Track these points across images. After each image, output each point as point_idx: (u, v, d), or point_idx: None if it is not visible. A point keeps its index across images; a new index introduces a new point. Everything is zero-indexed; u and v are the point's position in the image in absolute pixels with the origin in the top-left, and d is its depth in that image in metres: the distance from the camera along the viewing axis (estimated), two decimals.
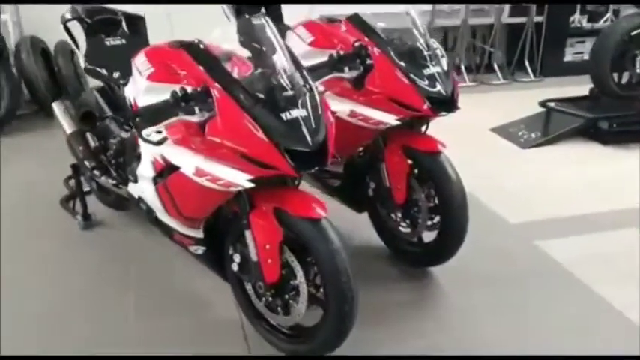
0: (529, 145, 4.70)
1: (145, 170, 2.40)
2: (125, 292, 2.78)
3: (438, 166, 2.67)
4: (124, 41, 3.03)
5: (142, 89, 2.30)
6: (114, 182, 2.90)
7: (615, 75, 4.97)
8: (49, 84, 5.29)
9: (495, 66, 6.76)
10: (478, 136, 4.92)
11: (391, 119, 2.59)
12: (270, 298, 2.25)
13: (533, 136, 4.83)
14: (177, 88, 2.04)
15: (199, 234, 2.41)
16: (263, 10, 3.58)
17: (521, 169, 4.29)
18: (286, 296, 2.22)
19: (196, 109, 2.03)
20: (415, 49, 2.64)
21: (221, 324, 2.57)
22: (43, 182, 3.94)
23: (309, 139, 2.00)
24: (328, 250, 2.06)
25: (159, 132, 2.23)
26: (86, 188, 3.52)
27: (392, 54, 2.60)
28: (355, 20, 2.74)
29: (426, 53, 2.62)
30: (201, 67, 2.07)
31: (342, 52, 2.61)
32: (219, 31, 2.36)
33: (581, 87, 5.37)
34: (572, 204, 3.68)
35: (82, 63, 2.97)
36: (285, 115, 1.99)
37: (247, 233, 2.17)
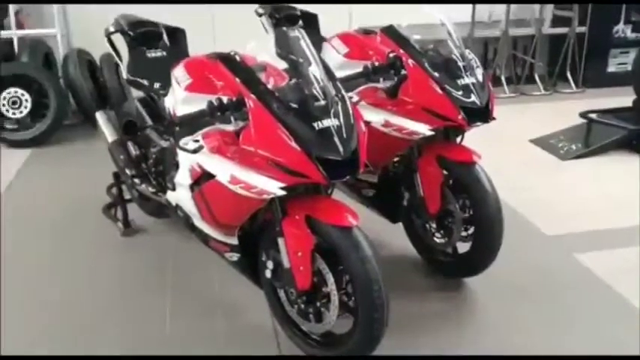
0: (569, 157, 4.63)
1: (183, 178, 2.46)
2: (162, 297, 2.85)
3: (472, 177, 2.66)
4: (164, 53, 3.11)
5: (180, 99, 2.37)
6: (153, 190, 2.97)
7: None
8: (94, 95, 5.44)
9: (536, 77, 6.67)
10: (517, 147, 4.87)
11: (425, 129, 2.60)
12: (302, 305, 2.27)
13: (573, 147, 4.75)
14: (213, 98, 2.10)
15: (234, 241, 2.45)
16: (301, 22, 3.67)
17: (560, 181, 4.23)
18: (318, 303, 2.25)
19: (232, 118, 2.09)
20: (449, 59, 2.65)
21: (254, 330, 2.61)
22: (86, 190, 4.05)
23: (340, 148, 2.03)
24: (359, 258, 2.08)
25: (196, 141, 2.30)
26: (127, 196, 3.63)
27: (426, 65, 2.61)
28: (390, 32, 2.77)
29: (460, 64, 2.62)
30: (236, 78, 2.12)
31: (376, 63, 2.64)
32: (254, 43, 2.42)
33: (624, 98, 5.26)
34: (612, 217, 3.61)
35: (124, 74, 3.06)
36: (318, 125, 2.02)
37: (280, 240, 2.20)
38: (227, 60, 2.19)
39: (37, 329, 2.64)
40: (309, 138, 2.00)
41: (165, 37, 3.22)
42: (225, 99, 2.09)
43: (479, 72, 2.68)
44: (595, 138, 4.86)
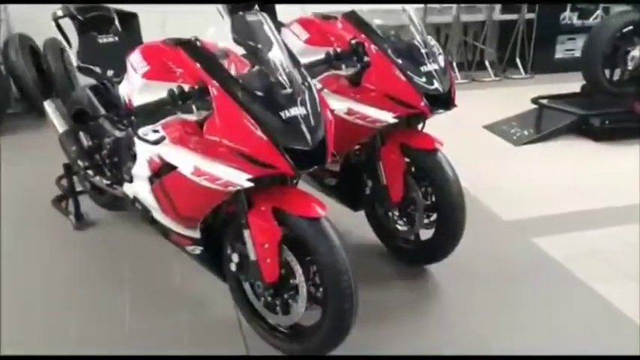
0: (522, 142, 4.71)
1: (141, 170, 2.37)
2: (120, 292, 2.75)
3: (435, 164, 2.66)
4: (116, 39, 2.98)
5: (137, 87, 2.27)
6: (108, 182, 2.86)
7: (607, 72, 4.98)
8: (38, 82, 5.22)
9: (487, 63, 6.76)
10: (471, 134, 4.92)
11: (388, 117, 2.57)
12: (269, 298, 2.23)
13: (525, 133, 4.83)
14: (174, 86, 2.01)
15: (196, 234, 2.38)
16: (257, 7, 3.58)
17: (514, 167, 4.30)
18: (285, 296, 2.20)
19: (194, 107, 2.01)
20: (412, 46, 2.63)
21: (219, 324, 2.55)
22: (34, 182, 3.90)
23: (308, 137, 1.98)
24: (328, 249, 2.05)
25: (155, 131, 2.22)
26: (79, 188, 3.49)
27: (389, 51, 2.58)
28: (352, 17, 2.72)
29: (423, 50, 2.61)
30: (198, 65, 2.04)
31: (338, 50, 2.59)
32: (214, 29, 2.34)
33: (572, 84, 5.38)
34: (567, 201, 3.68)
35: (74, 61, 2.92)
36: (284, 114, 1.97)
37: (246, 233, 2.15)
38: (188, 46, 2.10)
39: None
40: (276, 127, 1.95)
41: (116, 22, 3.08)
42: (186, 87, 2.01)
43: (441, 59, 2.67)
44: (546, 123, 4.95)
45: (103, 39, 2.95)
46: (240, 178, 1.96)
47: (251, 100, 1.96)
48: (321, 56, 2.60)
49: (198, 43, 2.12)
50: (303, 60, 2.50)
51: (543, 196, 3.78)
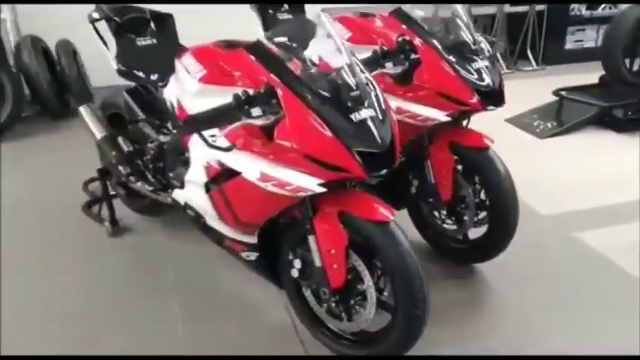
0: (546, 135, 4.69)
1: (196, 176, 2.32)
2: (167, 298, 2.70)
3: (487, 162, 2.63)
4: (154, 41, 2.91)
5: (191, 92, 2.23)
6: (151, 188, 2.80)
7: (627, 62, 4.96)
8: (51, 84, 5.14)
9: (498, 55, 6.73)
10: (494, 127, 4.80)
11: (440, 115, 2.53)
12: (333, 304, 2.18)
13: (549, 125, 4.81)
14: (235, 90, 1.96)
15: (253, 239, 2.33)
16: (286, 6, 3.53)
17: (542, 159, 4.28)
18: (352, 302, 2.16)
19: (260, 111, 1.95)
20: (462, 42, 2.59)
21: (273, 329, 2.51)
22: (56, 188, 3.81)
23: (379, 140, 1.94)
24: (399, 253, 2.00)
25: (213, 136, 2.16)
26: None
27: (439, 48, 2.54)
28: (398, 14, 2.68)
29: (473, 47, 2.57)
30: (264, 68, 1.98)
31: (385, 48, 2.54)
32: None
33: (586, 75, 5.37)
34: (599, 194, 3.66)
35: (114, 65, 2.84)
36: (355, 116, 1.92)
37: (311, 238, 2.10)
38: (253, 48, 2.04)
39: (43, 340, 2.46)
40: (348, 130, 1.90)
41: (152, 23, 3.01)
42: (250, 91, 1.95)
43: (489, 55, 2.63)
44: (568, 115, 4.93)
45: (141, 41, 2.88)
46: (312, 183, 1.92)
47: (321, 102, 1.92)
48: (366, 55, 2.55)
49: (264, 46, 2.06)
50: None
51: (575, 189, 3.75)
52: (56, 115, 5.28)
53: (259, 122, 1.97)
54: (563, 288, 2.76)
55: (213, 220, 2.37)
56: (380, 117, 1.98)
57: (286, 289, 2.40)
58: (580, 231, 3.23)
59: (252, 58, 2.01)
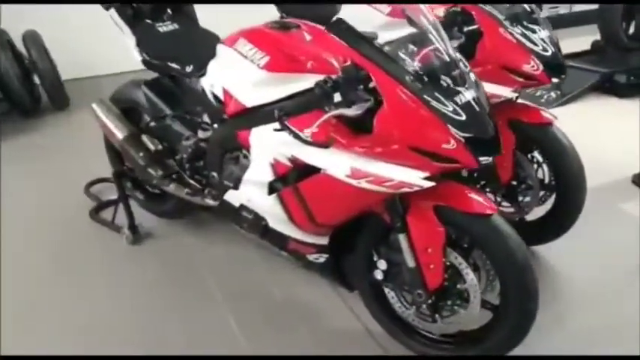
0: (553, 105, 4.58)
1: (258, 174, 2.07)
2: (218, 312, 2.45)
3: (551, 138, 2.47)
4: (176, 26, 2.60)
5: (253, 81, 1.97)
6: (187, 190, 2.52)
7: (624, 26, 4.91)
8: (23, 81, 4.70)
9: None
10: None
11: (506, 92, 2.35)
12: (425, 306, 1.99)
13: (553, 95, 4.71)
14: (308, 77, 1.75)
15: (324, 240, 2.11)
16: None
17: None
18: (449, 302, 1.97)
19: (349, 100, 1.71)
20: (521, 11, 2.40)
21: (346, 333, 2.30)
22: (53, 195, 3.47)
23: (487, 124, 1.73)
24: (508, 248, 1.82)
25: (281, 129, 1.91)
26: (112, 196, 3.13)
27: (500, 18, 2.34)
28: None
29: (534, 15, 2.39)
30: (354, 49, 1.73)
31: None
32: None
33: (572, 41, 5.28)
34: (624, 164, 3.56)
35: (137, 55, 2.53)
36: (460, 99, 1.71)
37: (401, 237, 1.90)
38: (336, 27, 1.78)
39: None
40: (454, 115, 1.68)
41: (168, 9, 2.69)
42: (334, 77, 1.71)
43: (548, 23, 2.46)
44: (569, 84, 4.82)
45: (162, 27, 2.56)
46: (416, 178, 1.71)
47: (421, 85, 1.69)
48: (408, 30, 2.33)
49: (347, 23, 1.81)
50: (390, 35, 2.26)
51: (607, 159, 3.64)
52: (27, 114, 4.86)
53: (350, 112, 1.73)
54: (628, 268, 2.64)
55: (278, 222, 2.14)
56: (481, 99, 1.77)
57: (361, 291, 2.20)
58: (623, 202, 3.12)
59: (336, 38, 1.75)
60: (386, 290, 2.12)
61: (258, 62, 1.95)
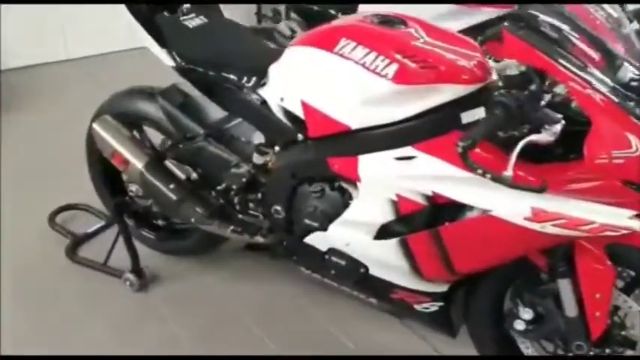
0: None
1: (370, 213, 1.66)
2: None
3: None
4: (204, 19, 2.04)
5: (369, 96, 1.55)
6: (236, 228, 2.00)
7: None
8: None
9: None
10: None
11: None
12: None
13: None
14: (451, 89, 1.46)
15: (445, 287, 1.73)
16: None
17: None
18: (607, 350, 1.66)
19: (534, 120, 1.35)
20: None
21: None
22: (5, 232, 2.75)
23: None
24: None
25: (406, 158, 1.51)
26: (89, 227, 2.59)
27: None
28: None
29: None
30: (546, 54, 1.34)
31: None
32: None
33: None
34: None
35: (168, 60, 1.94)
36: None
37: (563, 283, 1.57)
38: (512, 24, 1.38)
39: None
40: None
41: None
42: (514, 92, 1.34)
43: None
44: None
45: (189, 21, 1.99)
46: (625, 218, 1.37)
47: (627, 101, 1.35)
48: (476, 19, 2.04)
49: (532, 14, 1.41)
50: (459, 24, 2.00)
51: None
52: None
53: (542, 139, 1.34)
54: None
55: (388, 270, 1.74)
56: None
57: (478, 341, 1.85)
58: None
59: (518, 39, 1.35)
60: (519, 340, 1.77)
61: (384, 72, 1.51)
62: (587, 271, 1.54)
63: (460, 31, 1.84)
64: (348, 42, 1.59)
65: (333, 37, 1.63)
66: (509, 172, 1.28)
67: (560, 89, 1.45)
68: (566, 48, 1.37)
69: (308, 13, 2.91)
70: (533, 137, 1.33)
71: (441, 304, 1.78)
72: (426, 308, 1.80)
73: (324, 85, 1.65)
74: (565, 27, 1.41)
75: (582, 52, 1.39)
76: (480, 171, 1.30)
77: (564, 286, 1.57)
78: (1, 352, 2.05)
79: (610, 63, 1.42)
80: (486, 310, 1.78)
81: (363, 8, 2.54)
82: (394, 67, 1.51)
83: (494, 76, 1.56)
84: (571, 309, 1.59)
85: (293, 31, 2.36)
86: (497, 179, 1.30)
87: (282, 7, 4.65)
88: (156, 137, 2.34)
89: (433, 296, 1.76)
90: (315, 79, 1.67)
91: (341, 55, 1.58)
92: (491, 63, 1.61)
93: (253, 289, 2.35)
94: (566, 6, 1.47)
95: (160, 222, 2.40)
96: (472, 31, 2.08)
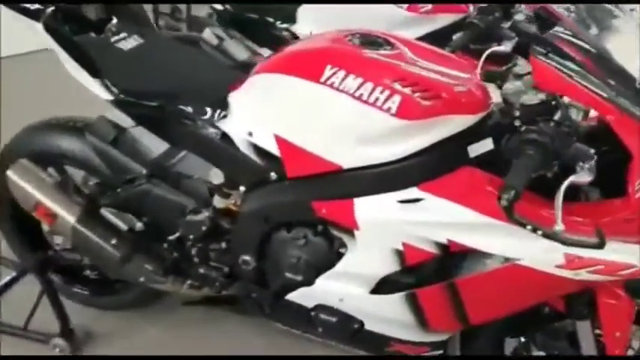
0: None
1: (371, 264, 1.44)
2: None
3: None
4: (138, 38, 1.69)
5: (367, 133, 1.33)
6: (193, 282, 1.71)
7: None
8: None
9: None
10: None
11: None
12: None
13: None
14: (454, 121, 1.31)
15: (445, 336, 1.56)
16: None
17: None
18: None
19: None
20: None
21: None
22: None
23: None
24: None
25: (410, 201, 1.32)
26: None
27: None
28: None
29: None
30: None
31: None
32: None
33: None
34: None
35: (103, 93, 1.58)
36: None
37: (582, 325, 1.45)
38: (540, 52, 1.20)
39: None
40: None
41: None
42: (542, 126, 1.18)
43: None
44: None
45: (122, 43, 1.64)
46: None
47: None
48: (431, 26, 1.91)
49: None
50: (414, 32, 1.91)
51: None
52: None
53: (582, 180, 1.18)
54: None
55: (383, 324, 1.52)
56: None
57: None
58: None
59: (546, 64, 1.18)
60: None
61: (385, 106, 1.29)
62: (609, 311, 1.42)
63: (417, 39, 1.68)
64: (335, 70, 1.34)
65: (314, 63, 1.38)
66: (559, 227, 1.11)
67: (575, 115, 1.30)
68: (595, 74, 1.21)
69: (235, 17, 2.63)
70: (573, 178, 1.17)
71: (440, 352, 1.61)
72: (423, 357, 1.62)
73: (307, 119, 1.40)
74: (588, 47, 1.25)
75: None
76: (529, 227, 1.12)
77: (584, 327, 1.45)
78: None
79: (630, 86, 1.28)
80: (487, 352, 1.64)
81: (304, 11, 2.36)
82: (396, 99, 1.29)
83: (497, 100, 1.39)
84: (590, 349, 1.47)
85: (221, 39, 2.09)
86: (550, 236, 1.12)
87: (182, 5, 4.34)
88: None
89: (433, 345, 1.58)
90: (295, 113, 1.42)
91: (331, 86, 1.34)
92: (493, 87, 1.43)
93: (205, 338, 2.07)
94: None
95: (92, 275, 2.03)
96: (428, 38, 1.93)
